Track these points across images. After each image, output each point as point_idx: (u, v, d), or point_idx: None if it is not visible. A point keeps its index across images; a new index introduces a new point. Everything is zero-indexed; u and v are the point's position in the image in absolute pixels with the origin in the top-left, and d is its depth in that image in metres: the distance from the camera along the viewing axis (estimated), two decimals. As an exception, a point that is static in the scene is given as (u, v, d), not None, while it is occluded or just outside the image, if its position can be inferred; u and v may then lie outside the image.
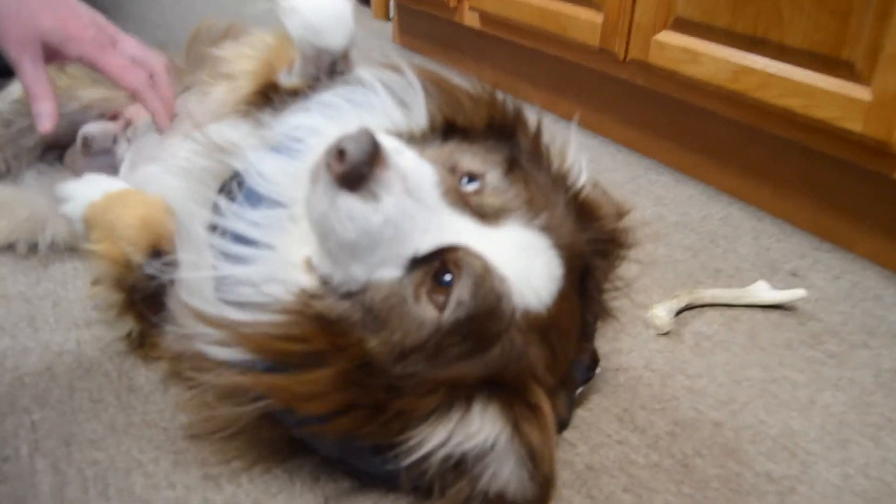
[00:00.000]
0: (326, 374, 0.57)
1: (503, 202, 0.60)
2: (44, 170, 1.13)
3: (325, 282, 0.61)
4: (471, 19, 1.88)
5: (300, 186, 0.63)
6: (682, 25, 1.28)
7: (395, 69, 0.73)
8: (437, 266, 0.57)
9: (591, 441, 0.79)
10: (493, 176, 0.63)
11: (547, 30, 1.58)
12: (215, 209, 0.68)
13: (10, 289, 0.99)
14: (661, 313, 0.98)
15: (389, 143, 0.57)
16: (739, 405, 0.87)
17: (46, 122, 0.83)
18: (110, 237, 0.77)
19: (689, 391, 0.89)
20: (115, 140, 1.09)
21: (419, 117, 0.69)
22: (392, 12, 2.79)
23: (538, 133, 0.71)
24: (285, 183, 0.66)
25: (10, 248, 1.06)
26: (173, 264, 0.70)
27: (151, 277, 0.73)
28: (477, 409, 0.58)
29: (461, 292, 0.56)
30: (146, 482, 0.69)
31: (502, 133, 0.70)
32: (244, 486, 0.70)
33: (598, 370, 0.83)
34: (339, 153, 0.54)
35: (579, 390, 0.80)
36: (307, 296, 0.60)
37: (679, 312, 1.01)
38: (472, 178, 0.62)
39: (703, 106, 1.32)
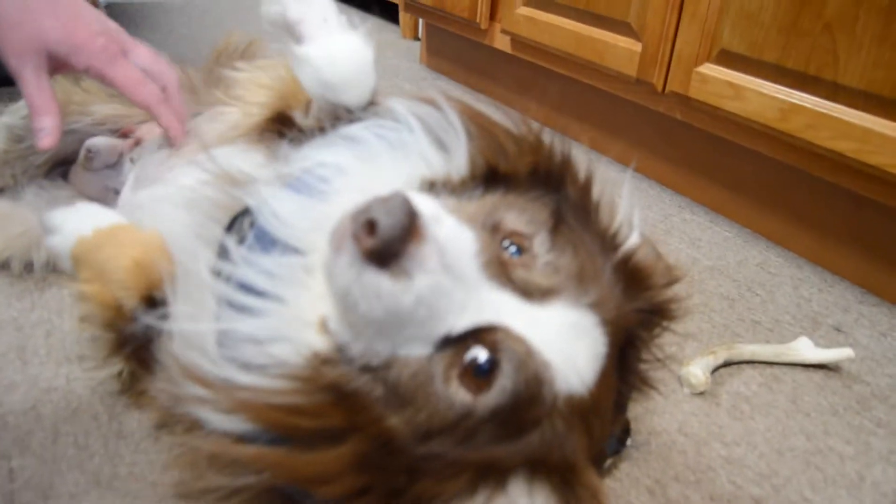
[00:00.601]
0: (341, 454, 0.50)
1: (552, 281, 0.53)
2: (45, 185, 1.08)
3: (341, 349, 0.54)
4: (502, 43, 1.83)
5: (321, 233, 0.55)
6: (727, 58, 1.21)
7: (433, 104, 0.65)
8: (472, 345, 0.50)
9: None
10: (540, 240, 0.56)
11: (582, 57, 1.52)
12: (221, 250, 0.62)
13: (2, 314, 0.94)
14: (697, 371, 0.91)
15: (427, 211, 0.49)
16: (782, 480, 0.79)
17: (47, 138, 0.79)
18: (100, 278, 0.70)
19: (726, 461, 0.81)
20: (120, 157, 1.04)
21: (459, 161, 0.62)
22: (421, 32, 2.75)
23: (588, 184, 0.64)
24: (303, 227, 0.59)
25: (4, 266, 1.01)
26: (168, 313, 0.64)
27: (144, 325, 0.67)
28: (515, 491, 0.51)
29: (502, 380, 0.49)
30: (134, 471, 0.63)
31: (548, 181, 0.63)
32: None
33: (629, 442, 0.76)
34: (368, 224, 0.47)
35: (608, 463, 0.73)
36: (320, 361, 0.53)
37: (715, 370, 0.94)
38: (516, 241, 0.55)
39: (745, 144, 1.25)
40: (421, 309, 0.49)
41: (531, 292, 0.52)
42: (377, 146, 0.64)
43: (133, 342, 0.70)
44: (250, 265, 0.58)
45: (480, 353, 0.50)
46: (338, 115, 0.74)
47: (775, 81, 1.14)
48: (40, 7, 0.76)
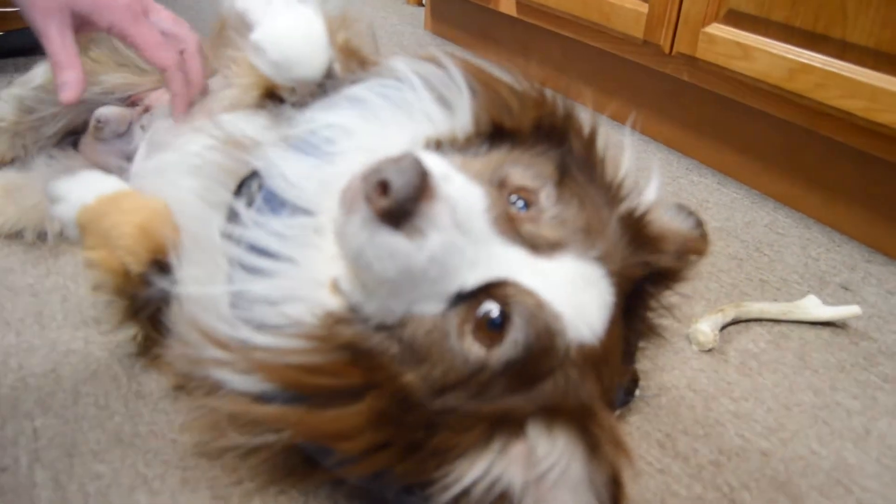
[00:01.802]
0: (360, 410, 0.51)
1: (559, 234, 0.54)
2: (55, 154, 1.09)
3: (354, 308, 0.55)
4: (507, 6, 1.81)
5: (329, 194, 0.56)
6: (735, 18, 1.20)
7: (436, 62, 0.65)
8: (484, 300, 0.51)
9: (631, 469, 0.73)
10: (546, 194, 0.57)
11: (588, 19, 1.51)
12: (231, 214, 0.62)
13: (17, 281, 0.95)
14: (706, 328, 0.92)
15: (438, 170, 0.50)
16: (789, 433, 0.81)
17: (70, 91, 0.78)
18: (106, 245, 0.71)
19: (734, 416, 0.82)
20: (129, 126, 1.05)
21: (463, 119, 0.62)
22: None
23: (592, 138, 0.65)
24: (312, 188, 0.59)
25: (17, 236, 1.02)
26: (176, 276, 0.65)
27: (156, 290, 0.68)
28: (536, 437, 0.52)
29: (514, 333, 0.50)
30: (151, 501, 0.65)
31: (552, 136, 0.63)
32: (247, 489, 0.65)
33: (637, 392, 0.77)
34: (381, 185, 0.47)
35: (616, 413, 0.74)
36: (334, 320, 0.54)
37: (724, 328, 0.95)
38: (522, 195, 0.56)
39: (753, 105, 1.25)
40: (434, 266, 0.50)
41: (539, 246, 0.53)
42: (381, 106, 0.65)
43: (146, 307, 0.71)
44: (261, 227, 0.59)
45: (492, 308, 0.51)
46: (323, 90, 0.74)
47: (784, 41, 1.14)
48: None
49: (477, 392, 0.52)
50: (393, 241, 0.49)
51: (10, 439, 0.70)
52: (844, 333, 0.98)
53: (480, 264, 0.51)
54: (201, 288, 0.61)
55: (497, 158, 0.60)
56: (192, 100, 0.86)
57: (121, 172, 1.03)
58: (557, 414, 0.52)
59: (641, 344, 0.70)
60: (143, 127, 1.03)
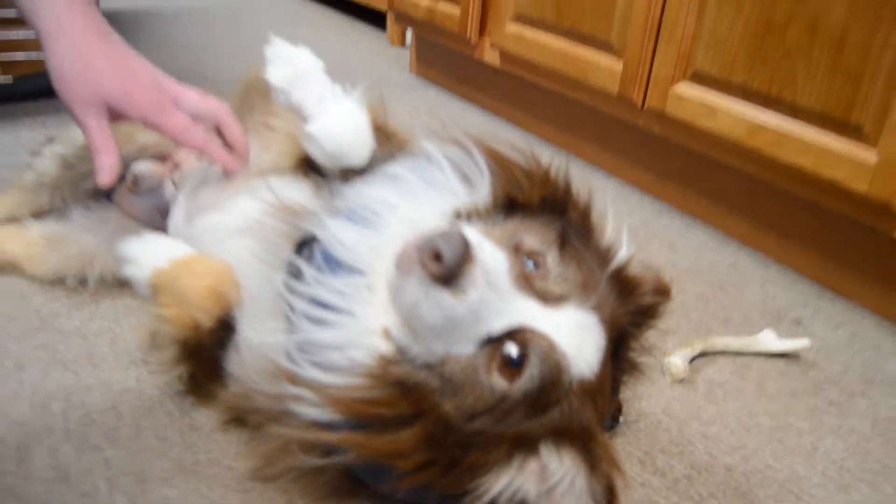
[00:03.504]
0: (411, 435, 0.64)
1: (563, 289, 0.67)
2: (92, 206, 1.19)
3: (403, 351, 0.67)
4: (491, 57, 1.96)
5: (379, 257, 0.69)
6: (700, 78, 1.36)
7: (461, 146, 0.78)
8: (506, 342, 0.64)
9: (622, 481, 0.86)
10: (552, 256, 0.70)
11: (567, 74, 1.66)
12: (294, 272, 0.74)
13: (65, 325, 1.05)
14: (677, 361, 1.06)
15: (475, 239, 0.63)
16: (750, 451, 0.94)
17: (107, 174, 0.88)
18: (179, 304, 0.81)
19: (703, 437, 0.96)
20: (161, 180, 1.16)
21: (483, 194, 0.75)
22: (409, 39, 2.86)
23: (587, 210, 0.78)
24: (365, 253, 0.72)
25: (59, 282, 1.12)
26: (241, 328, 0.77)
27: (218, 337, 0.80)
28: (547, 456, 0.66)
29: (531, 369, 0.64)
30: (223, 517, 0.76)
31: (555, 208, 0.77)
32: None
33: (621, 418, 0.90)
34: (434, 255, 0.60)
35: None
36: (387, 362, 0.67)
37: (693, 360, 1.09)
38: (533, 258, 0.69)
39: (717, 157, 1.40)
40: (470, 316, 0.63)
41: (548, 298, 0.67)
42: (416, 183, 0.77)
43: (201, 353, 0.83)
44: (323, 285, 0.71)
45: (513, 349, 0.64)
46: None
47: (743, 100, 1.29)
48: (101, 65, 0.85)
49: (501, 417, 0.65)
50: (441, 297, 0.62)
51: (86, 468, 0.81)
52: (796, 364, 1.12)
53: (504, 314, 0.64)
54: (270, 337, 0.74)
55: (512, 227, 0.73)
56: (242, 158, 0.97)
57: (153, 223, 1.16)
58: (564, 436, 0.66)
59: (624, 378, 0.84)
60: (174, 183, 1.14)
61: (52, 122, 1.75)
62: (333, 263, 0.72)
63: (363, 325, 0.69)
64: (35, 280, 1.12)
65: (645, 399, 1.01)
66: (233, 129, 0.97)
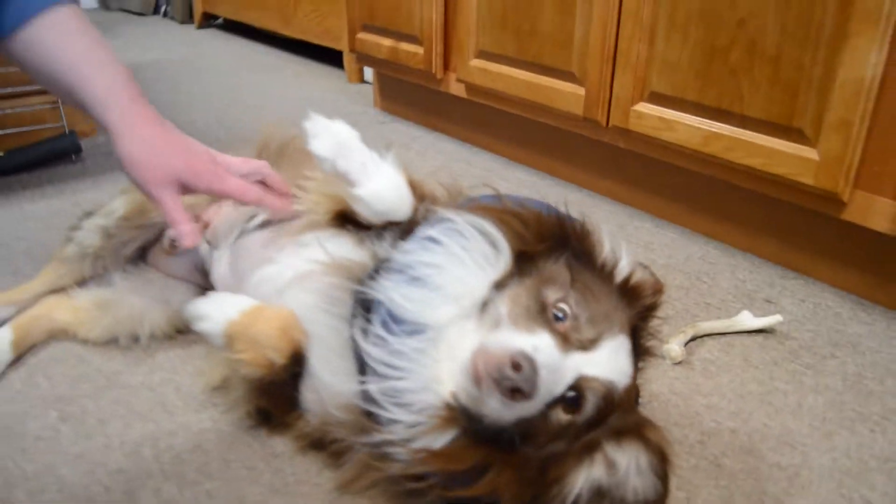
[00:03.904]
0: (498, 479, 0.80)
1: (595, 332, 0.81)
2: (129, 270, 1.29)
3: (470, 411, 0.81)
4: (457, 89, 2.11)
5: (433, 312, 0.82)
6: (657, 98, 1.54)
7: (479, 216, 0.88)
8: (566, 391, 0.79)
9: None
10: (573, 300, 0.82)
11: (533, 101, 1.82)
12: (361, 328, 0.85)
13: (130, 380, 1.16)
14: (674, 346, 1.22)
15: (537, 356, 0.75)
16: (747, 414, 1.11)
17: (190, 239, 0.99)
18: (253, 348, 0.92)
19: (706, 408, 1.12)
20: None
21: (506, 259, 0.86)
22: (367, 76, 3.01)
23: (584, 235, 0.89)
24: (426, 311, 0.82)
25: (112, 341, 1.23)
26: (312, 368, 0.90)
27: (292, 372, 0.92)
28: (612, 451, 0.81)
29: (588, 404, 0.80)
30: (318, 527, 0.89)
31: (555, 243, 0.89)
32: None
33: (639, 401, 1.06)
34: (511, 390, 0.73)
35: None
36: (452, 409, 0.80)
37: (686, 344, 1.25)
38: (558, 309, 0.81)
39: (678, 164, 1.58)
40: (539, 405, 0.78)
41: (587, 346, 0.81)
42: (455, 249, 0.85)
43: (275, 389, 0.95)
44: (394, 339, 0.83)
45: (572, 395, 0.79)
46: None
47: (697, 115, 1.47)
48: (167, 149, 0.98)
49: (571, 438, 0.81)
50: (516, 406, 0.76)
51: (193, 500, 0.92)
52: (773, 337, 1.30)
53: (561, 381, 0.78)
54: (348, 382, 0.86)
55: (531, 284, 0.83)
56: (290, 200, 1.08)
57: (192, 279, 1.28)
58: (621, 432, 0.82)
59: (640, 364, 0.99)
60: (207, 241, 1.25)
61: (52, 191, 1.83)
62: (398, 320, 0.84)
63: (432, 373, 0.82)
64: (88, 343, 1.23)
65: (653, 382, 1.17)
66: (275, 178, 1.09)
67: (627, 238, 1.64)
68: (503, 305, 0.82)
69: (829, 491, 0.97)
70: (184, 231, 1.00)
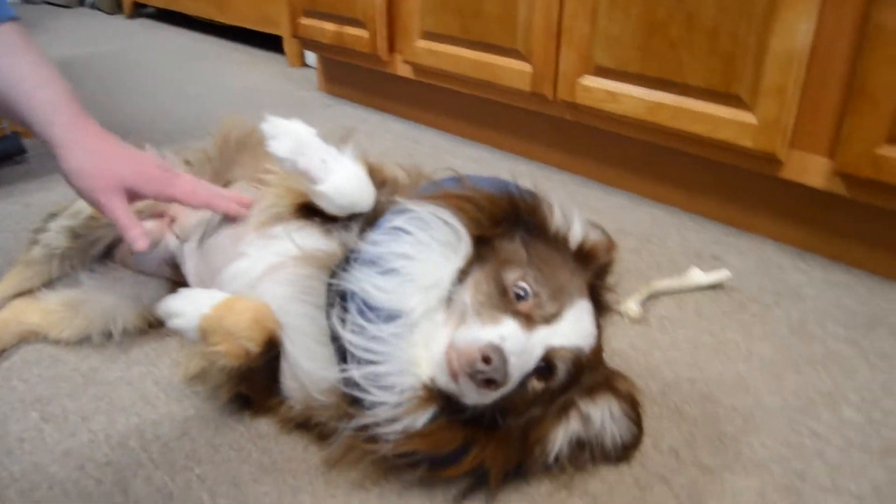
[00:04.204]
0: (483, 454, 0.86)
1: (557, 305, 0.86)
2: (97, 269, 1.29)
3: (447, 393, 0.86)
4: (404, 70, 2.14)
5: (407, 300, 0.85)
6: (602, 71, 1.60)
7: (437, 204, 0.89)
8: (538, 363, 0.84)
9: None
10: (531, 276, 0.85)
11: (480, 79, 1.86)
12: (338, 317, 0.88)
13: (108, 376, 1.17)
14: (632, 305, 1.29)
15: (505, 345, 0.79)
16: (702, 364, 1.19)
17: (142, 242, 1.02)
18: (228, 339, 0.92)
19: (665, 361, 1.20)
20: (162, 235, 1.29)
21: (466, 244, 0.88)
22: (309, 60, 3.00)
23: (535, 208, 0.92)
24: (399, 299, 0.85)
25: (85, 340, 1.24)
26: (292, 357, 0.93)
27: (267, 359, 0.95)
28: (586, 407, 0.89)
29: (560, 371, 0.86)
30: (313, 498, 0.92)
31: (509, 221, 0.91)
32: (385, 485, 0.94)
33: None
34: (486, 381, 0.78)
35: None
36: (430, 390, 0.85)
37: (642, 303, 1.33)
38: (519, 289, 0.85)
39: (624, 133, 1.65)
40: (513, 383, 0.83)
41: (550, 320, 0.85)
42: (422, 237, 0.88)
43: (253, 376, 0.98)
44: (371, 327, 0.85)
45: (543, 365, 0.85)
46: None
47: (641, 86, 1.54)
48: (114, 158, 1.01)
49: (547, 401, 0.87)
50: (488, 392, 0.81)
51: (185, 486, 0.95)
52: (722, 291, 1.38)
53: (532, 358, 0.83)
54: (328, 368, 0.89)
55: (490, 269, 0.87)
56: (244, 205, 1.11)
57: (162, 274, 1.29)
58: (593, 388, 0.89)
59: (601, 321, 1.05)
60: (177, 235, 1.27)
61: (18, 191, 1.80)
62: (372, 308, 0.85)
63: (409, 356, 0.86)
64: (60, 343, 1.23)
65: (614, 340, 1.23)
66: (231, 195, 1.13)
67: (578, 206, 1.68)
68: (467, 294, 0.86)
69: (781, 427, 1.05)
70: (133, 236, 1.02)
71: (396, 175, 1.07)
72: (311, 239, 1.01)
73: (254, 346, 0.94)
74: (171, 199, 1.07)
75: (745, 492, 0.94)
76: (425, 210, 0.89)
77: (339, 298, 0.89)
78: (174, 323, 0.98)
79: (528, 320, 0.84)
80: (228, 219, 1.15)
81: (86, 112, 1.02)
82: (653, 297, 1.36)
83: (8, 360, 1.20)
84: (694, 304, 1.35)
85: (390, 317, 0.86)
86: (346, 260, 0.92)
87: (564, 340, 0.85)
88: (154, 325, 1.26)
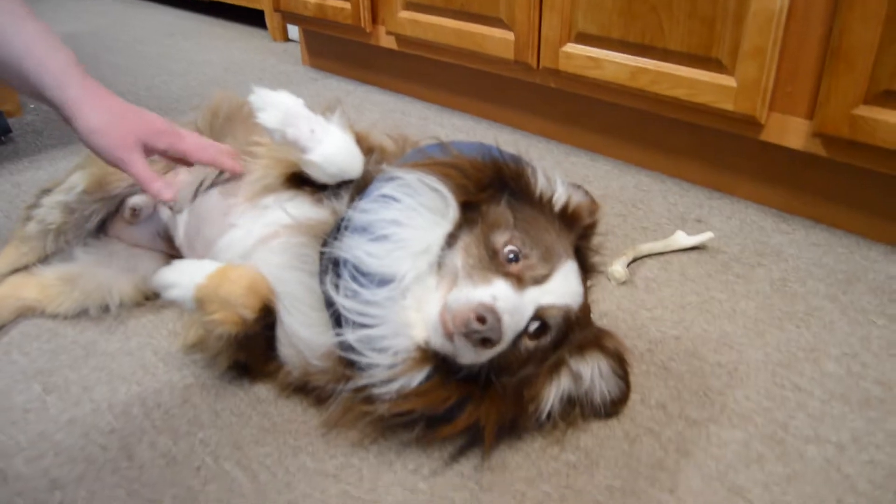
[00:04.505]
0: (477, 411, 0.89)
1: (546, 266, 0.88)
2: (91, 243, 1.31)
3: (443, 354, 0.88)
4: (387, 42, 2.14)
5: (399, 265, 0.86)
6: (584, 38, 1.61)
7: (424, 171, 0.91)
8: (530, 321, 0.87)
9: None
10: (518, 238, 0.88)
11: (464, 48, 1.88)
12: (332, 283, 0.89)
13: (107, 347, 1.19)
14: (619, 268, 1.32)
15: (500, 304, 0.81)
16: (688, 323, 1.22)
17: (168, 192, 1.05)
18: (224, 307, 0.94)
19: (651, 320, 1.23)
20: (155, 207, 1.30)
21: (453, 209, 0.90)
22: (291, 34, 2.99)
23: (519, 174, 0.94)
24: (392, 264, 0.87)
25: (83, 313, 1.26)
26: (288, 323, 0.95)
27: (263, 325, 0.97)
28: (576, 364, 0.92)
29: (551, 329, 0.89)
30: (313, 458, 0.96)
31: (495, 186, 0.93)
32: (383, 444, 0.97)
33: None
34: (481, 340, 0.80)
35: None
36: (425, 351, 0.87)
37: (629, 265, 1.36)
38: (510, 250, 0.87)
39: (607, 99, 1.67)
40: (506, 341, 0.85)
41: (540, 280, 0.88)
42: (411, 204, 0.89)
43: (250, 342, 1.00)
44: (364, 292, 0.87)
45: (534, 325, 0.87)
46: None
47: (623, 52, 1.56)
48: (123, 115, 1.02)
49: (539, 359, 0.90)
50: (484, 349, 0.83)
51: (188, 450, 0.98)
52: (706, 252, 1.42)
53: (524, 316, 0.85)
54: (325, 333, 0.91)
55: (478, 233, 0.89)
56: (238, 158, 1.13)
57: (156, 246, 1.31)
58: (582, 346, 0.92)
59: (589, 283, 1.08)
60: (170, 207, 1.28)
61: (6, 170, 1.80)
62: (365, 274, 0.87)
63: (403, 319, 0.88)
64: (58, 317, 1.25)
65: (602, 302, 1.27)
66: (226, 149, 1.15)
67: (564, 173, 1.72)
68: (458, 258, 0.88)
69: (765, 381, 1.09)
70: (158, 188, 1.04)
71: (383, 143, 1.09)
72: (303, 208, 1.02)
73: (249, 314, 0.96)
74: (181, 153, 1.08)
75: (731, 443, 0.97)
76: (412, 177, 0.91)
77: (332, 265, 0.91)
78: (170, 294, 0.99)
79: (519, 281, 0.87)
80: (222, 182, 1.16)
81: (90, 76, 1.04)
82: (638, 259, 1.39)
83: (7, 335, 1.22)
84: (679, 265, 1.38)
85: (382, 281, 0.88)
86: (338, 228, 0.94)
87: (554, 299, 0.88)
88: (150, 298, 1.29)
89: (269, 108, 0.98)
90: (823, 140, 1.36)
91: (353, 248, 0.89)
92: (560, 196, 0.98)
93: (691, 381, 1.09)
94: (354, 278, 0.88)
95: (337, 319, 0.90)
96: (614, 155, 1.80)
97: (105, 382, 1.11)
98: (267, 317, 0.98)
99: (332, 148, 0.98)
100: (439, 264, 0.89)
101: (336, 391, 0.95)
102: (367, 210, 0.91)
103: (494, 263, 0.87)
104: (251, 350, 1.03)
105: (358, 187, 0.99)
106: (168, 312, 1.26)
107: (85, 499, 0.90)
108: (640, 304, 1.27)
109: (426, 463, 0.95)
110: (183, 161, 1.12)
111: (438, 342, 0.86)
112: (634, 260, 1.38)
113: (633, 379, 1.06)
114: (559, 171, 1.00)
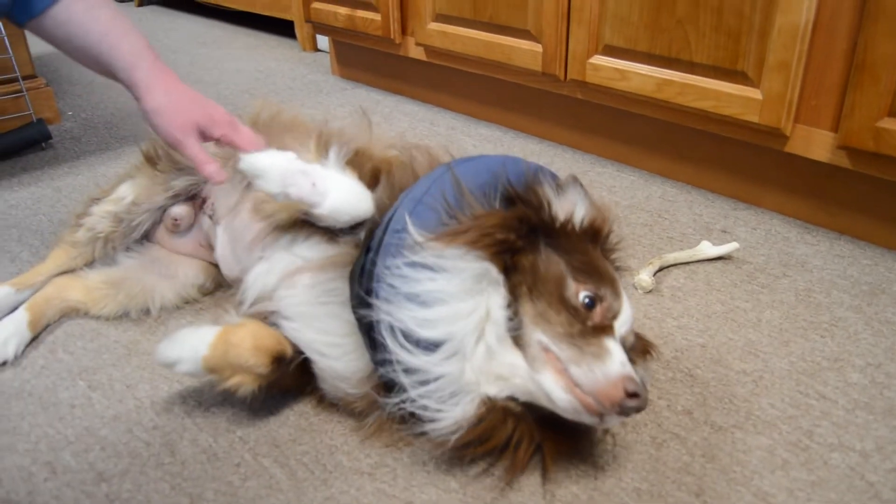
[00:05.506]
0: (531, 447, 0.92)
1: (618, 303, 0.90)
2: (134, 249, 1.36)
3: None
4: (416, 53, 2.18)
5: (458, 331, 0.85)
6: (611, 51, 1.64)
7: (452, 246, 0.87)
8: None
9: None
10: (582, 280, 0.88)
11: (492, 59, 1.91)
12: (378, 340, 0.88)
13: (149, 348, 1.22)
14: (645, 277, 1.35)
15: (632, 370, 0.84)
16: (713, 331, 1.24)
17: (220, 175, 1.08)
18: (237, 369, 0.97)
19: (677, 328, 1.25)
20: (197, 217, 1.35)
21: (499, 279, 0.88)
22: (321, 44, 3.04)
23: (540, 205, 0.92)
24: (447, 330, 0.85)
25: (124, 315, 1.30)
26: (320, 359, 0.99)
27: (281, 370, 0.99)
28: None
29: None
30: (349, 457, 0.99)
31: (525, 232, 0.90)
32: (416, 447, 1.00)
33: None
34: (625, 408, 0.82)
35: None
36: (493, 403, 0.89)
37: (655, 274, 1.38)
38: (582, 296, 0.87)
39: (634, 111, 1.70)
40: None
41: (617, 314, 0.90)
42: (453, 278, 0.86)
43: (275, 383, 1.03)
44: (415, 361, 0.86)
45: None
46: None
47: (649, 64, 1.59)
48: (187, 101, 1.09)
49: None
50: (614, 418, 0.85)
51: (228, 447, 1.02)
52: (732, 262, 1.44)
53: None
54: (355, 362, 0.96)
55: (545, 293, 0.87)
56: None
57: (199, 255, 1.35)
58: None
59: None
60: (210, 216, 1.32)
61: (29, 179, 1.86)
62: (416, 340, 0.86)
63: (463, 379, 0.88)
64: (100, 318, 1.30)
65: (628, 310, 1.30)
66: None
67: (590, 183, 1.76)
68: (539, 331, 0.86)
69: (789, 389, 1.11)
70: (212, 170, 1.08)
71: (388, 157, 1.11)
72: (320, 247, 1.04)
73: (263, 370, 0.98)
74: (234, 145, 1.11)
75: (756, 449, 0.99)
76: (446, 261, 0.86)
77: (362, 287, 0.90)
78: (178, 370, 0.99)
79: (608, 328, 0.88)
80: (250, 198, 1.19)
81: (161, 60, 1.12)
82: (664, 268, 1.41)
83: (52, 335, 1.26)
84: (704, 274, 1.40)
85: (434, 345, 0.86)
86: (364, 258, 0.92)
87: (629, 325, 0.91)
88: (189, 302, 1.33)
89: (264, 173, 0.96)
90: (848, 152, 1.37)
91: (396, 314, 0.86)
92: (579, 214, 0.96)
93: (717, 388, 1.11)
94: (402, 345, 0.86)
95: (372, 342, 0.90)
96: (640, 165, 1.82)
97: (147, 381, 1.15)
98: (282, 363, 1.00)
99: (338, 198, 0.96)
100: (515, 339, 0.88)
101: (372, 413, 0.99)
102: (406, 278, 0.87)
103: (580, 319, 0.86)
104: (282, 387, 1.07)
105: (374, 220, 0.98)
106: (206, 315, 1.31)
107: (130, 491, 0.94)
108: (666, 313, 1.29)
109: (458, 464, 0.98)
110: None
111: (575, 416, 0.86)
112: (661, 269, 1.40)
113: (659, 385, 1.09)
114: (585, 182, 1.02)
